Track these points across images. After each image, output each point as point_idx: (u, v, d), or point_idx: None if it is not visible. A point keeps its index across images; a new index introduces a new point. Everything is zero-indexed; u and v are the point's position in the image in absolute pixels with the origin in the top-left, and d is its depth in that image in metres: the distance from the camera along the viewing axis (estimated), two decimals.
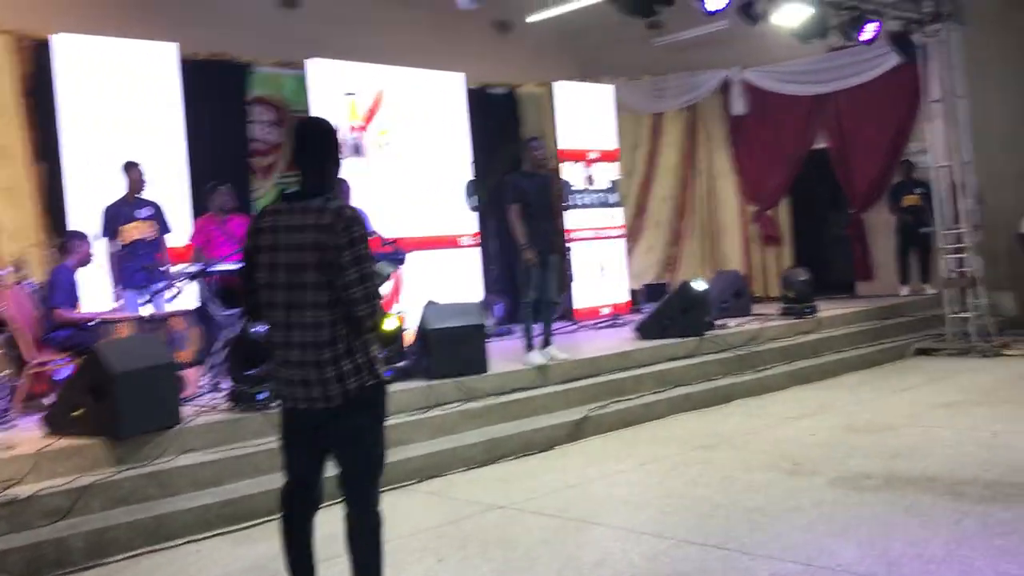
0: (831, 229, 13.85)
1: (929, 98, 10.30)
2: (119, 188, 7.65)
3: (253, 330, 6.17)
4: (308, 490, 3.45)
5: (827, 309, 10.48)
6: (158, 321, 6.63)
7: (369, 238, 3.29)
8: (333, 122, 3.49)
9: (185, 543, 4.87)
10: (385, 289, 8.69)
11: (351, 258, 3.19)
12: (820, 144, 12.93)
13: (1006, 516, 4.39)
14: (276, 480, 5.47)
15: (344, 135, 9.77)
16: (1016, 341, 9.92)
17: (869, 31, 9.40)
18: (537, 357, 7.50)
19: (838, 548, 4.10)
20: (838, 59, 12.08)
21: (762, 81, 13.12)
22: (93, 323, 6.53)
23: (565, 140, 11.79)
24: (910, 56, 10.30)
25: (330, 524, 3.53)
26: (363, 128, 9.94)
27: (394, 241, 8.19)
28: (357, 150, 9.84)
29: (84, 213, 7.83)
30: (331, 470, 3.40)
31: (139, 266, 7.06)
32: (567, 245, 11.39)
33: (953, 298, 10.19)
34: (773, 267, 13.30)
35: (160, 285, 7.08)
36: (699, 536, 4.41)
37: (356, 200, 9.22)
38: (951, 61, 10.10)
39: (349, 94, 9.81)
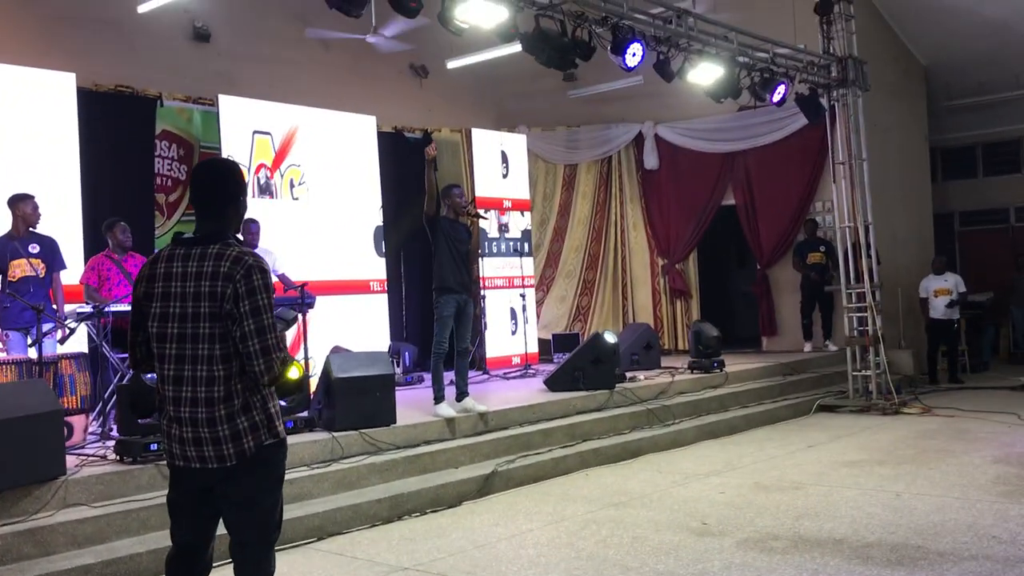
0: (737, 284, 14.13)
1: (834, 159, 10.61)
2: (5, 222, 7.24)
3: (149, 376, 5.84)
4: (197, 557, 3.19)
5: (734, 364, 10.59)
6: (44, 364, 6.22)
7: (274, 282, 3.10)
8: (237, 162, 3.29)
9: None
10: (289, 336, 8.41)
11: (249, 309, 3.00)
12: (729, 200, 13.19)
13: None
14: (165, 538, 5.15)
15: (254, 175, 9.52)
16: (913, 399, 10.19)
17: (779, 93, 9.66)
18: (446, 409, 7.32)
19: None
20: (748, 118, 12.40)
21: (673, 137, 13.37)
22: None
23: (481, 187, 11.74)
24: (817, 118, 10.63)
25: None
26: (274, 168, 9.72)
27: (303, 285, 7.96)
28: (267, 190, 9.60)
29: None
30: (223, 528, 3.17)
31: (30, 304, 6.63)
32: (482, 293, 11.33)
33: (855, 355, 10.42)
34: (681, 320, 13.44)
35: (48, 326, 6.67)
36: None
37: (265, 241, 8.97)
38: (855, 124, 10.44)
39: (261, 133, 9.59)
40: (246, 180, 3.31)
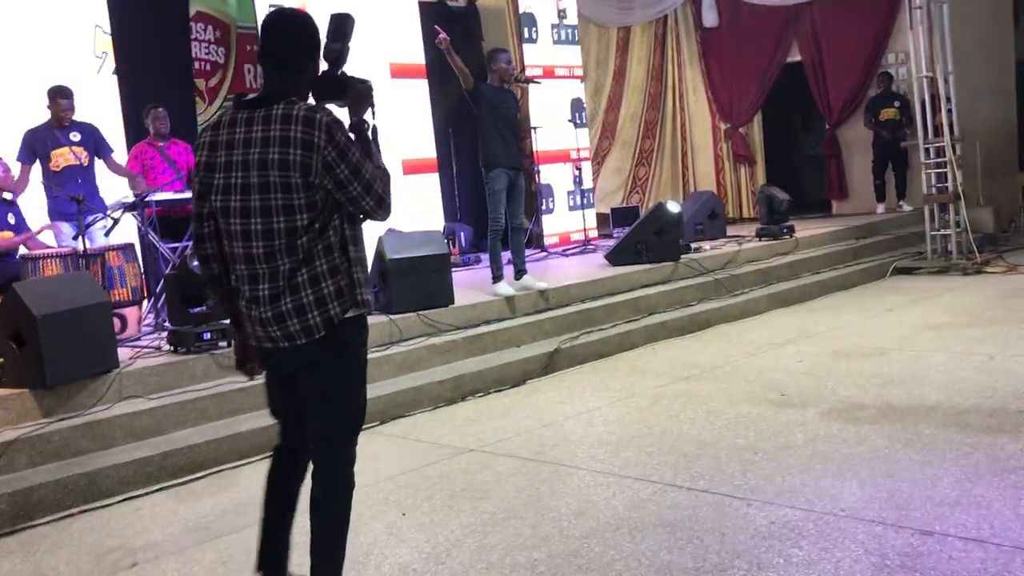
0: (805, 146, 13.45)
1: (911, 3, 9.79)
2: (44, 111, 7.02)
3: (195, 264, 5.65)
4: (292, 451, 2.97)
5: (803, 229, 10.12)
6: (91, 257, 6.07)
7: None
8: (312, 17, 2.88)
9: (122, 501, 4.43)
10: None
11: (348, 172, 2.68)
12: (794, 57, 12.42)
13: (1016, 448, 4.05)
14: (223, 427, 5.07)
15: None
16: (996, 258, 9.63)
17: None
18: (505, 287, 7.05)
19: (839, 490, 3.73)
20: None
21: None
22: (14, 259, 5.96)
23: (530, 55, 11.15)
24: None
25: None
26: None
27: None
28: None
29: (11, 139, 7.18)
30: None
31: (69, 195, 6.45)
32: (537, 167, 10.89)
33: (933, 214, 9.85)
34: (746, 187, 12.90)
35: (92, 217, 6.51)
36: (687, 479, 4.03)
37: None
38: None
39: (274, 7, 9.07)
40: (320, 39, 2.88)
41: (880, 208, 11.67)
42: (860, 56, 11.78)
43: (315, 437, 2.86)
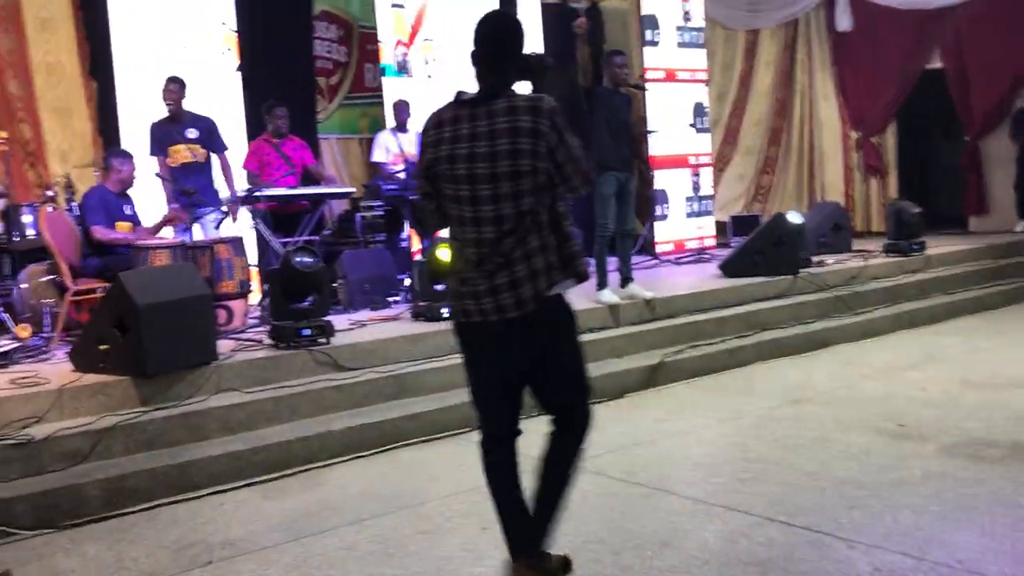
0: (942, 158, 12.69)
1: None
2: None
3: (297, 260, 5.67)
4: (500, 439, 3.37)
5: (936, 246, 9.50)
6: (200, 249, 6.17)
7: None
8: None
9: (210, 494, 4.44)
10: None
11: (567, 153, 2.89)
12: (934, 64, 11.72)
13: None
14: (316, 425, 5.05)
15: (392, 51, 9.05)
16: None
17: None
18: (609, 295, 6.84)
19: (956, 538, 3.40)
20: None
21: None
22: (126, 249, 6.12)
23: (652, 58, 10.87)
24: None
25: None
26: (409, 44, 9.14)
27: None
28: (404, 68, 9.10)
29: (138, 131, 7.43)
30: None
31: (181, 188, 6.58)
32: (652, 172, 10.61)
33: None
34: (876, 199, 12.26)
35: (204, 211, 6.63)
36: (785, 513, 3.75)
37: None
38: None
39: (396, 6, 9.06)
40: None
41: (1020, 226, 10.89)
42: (1008, 63, 10.99)
43: (556, 402, 3.27)
